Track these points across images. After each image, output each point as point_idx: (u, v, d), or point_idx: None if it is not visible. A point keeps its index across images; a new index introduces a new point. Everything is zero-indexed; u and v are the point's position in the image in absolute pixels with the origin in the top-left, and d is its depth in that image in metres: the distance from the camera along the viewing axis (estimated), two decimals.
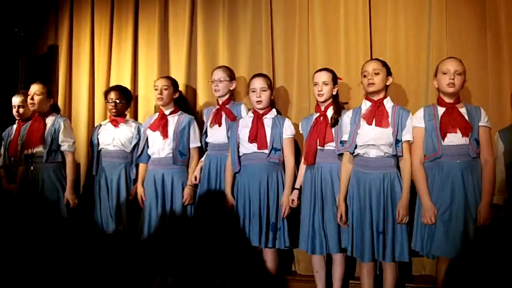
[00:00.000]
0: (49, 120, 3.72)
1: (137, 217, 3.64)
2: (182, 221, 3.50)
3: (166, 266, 3.54)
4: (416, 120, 2.90)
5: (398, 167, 2.92)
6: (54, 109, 3.86)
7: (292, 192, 3.22)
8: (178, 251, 3.52)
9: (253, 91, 3.30)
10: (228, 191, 3.34)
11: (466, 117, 2.80)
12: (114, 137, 3.81)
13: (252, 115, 3.35)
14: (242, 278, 3.40)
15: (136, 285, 3.59)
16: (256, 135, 3.25)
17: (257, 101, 3.29)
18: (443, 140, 2.79)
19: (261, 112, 3.32)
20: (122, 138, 3.81)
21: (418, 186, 2.84)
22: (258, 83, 3.30)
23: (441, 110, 2.86)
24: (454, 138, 2.78)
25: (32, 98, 3.67)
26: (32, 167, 3.63)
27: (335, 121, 3.12)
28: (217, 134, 3.51)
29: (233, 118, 3.47)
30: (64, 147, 3.68)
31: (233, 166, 3.31)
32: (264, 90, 3.29)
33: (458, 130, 2.77)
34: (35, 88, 3.70)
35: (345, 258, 3.13)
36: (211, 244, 3.48)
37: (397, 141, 2.88)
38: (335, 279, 3.14)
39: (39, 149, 3.62)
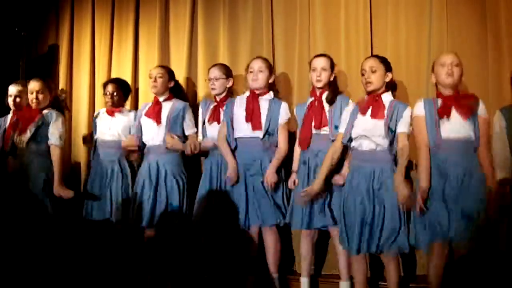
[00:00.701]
0: (44, 111, 3.67)
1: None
2: (176, 213, 3.48)
3: (160, 261, 3.52)
4: (416, 109, 2.87)
5: (393, 162, 2.88)
6: (55, 102, 3.79)
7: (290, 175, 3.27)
8: (172, 244, 3.50)
9: (251, 71, 3.30)
10: (231, 158, 3.29)
11: None
12: (110, 126, 3.79)
13: (248, 93, 3.34)
14: (242, 277, 3.41)
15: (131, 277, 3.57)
16: (251, 116, 3.25)
17: (253, 79, 3.28)
18: (441, 128, 2.77)
19: (257, 92, 3.31)
20: (120, 127, 3.78)
21: (419, 163, 2.82)
22: (256, 64, 3.30)
23: (440, 102, 2.85)
24: (454, 127, 2.76)
25: (36, 98, 3.62)
26: (18, 154, 3.59)
27: (331, 101, 3.14)
28: (215, 133, 3.49)
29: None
30: (52, 140, 3.57)
31: (230, 141, 3.31)
32: (261, 71, 3.28)
33: (458, 114, 2.76)
34: (36, 86, 3.64)
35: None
36: (212, 244, 3.48)
37: (391, 131, 2.85)
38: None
39: (26, 135, 3.56)
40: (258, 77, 3.28)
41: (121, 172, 3.72)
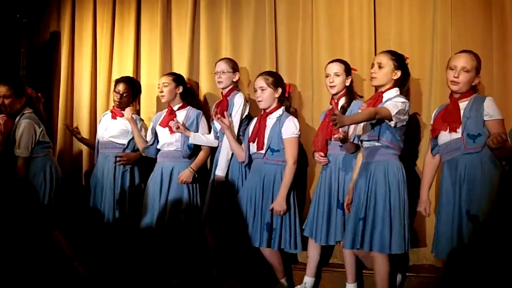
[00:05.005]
0: (16, 120, 3.55)
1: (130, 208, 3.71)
2: (186, 215, 3.50)
3: (165, 256, 3.56)
4: (432, 118, 2.93)
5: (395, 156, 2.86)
6: (30, 102, 3.67)
7: None
8: (182, 244, 3.53)
9: (255, 90, 3.26)
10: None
11: (462, 112, 2.69)
12: (107, 128, 3.82)
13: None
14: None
15: (129, 274, 3.59)
16: (256, 136, 3.22)
17: (258, 101, 3.25)
18: (434, 138, 2.82)
19: (267, 111, 3.26)
20: (115, 129, 3.81)
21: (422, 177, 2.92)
22: (257, 83, 3.24)
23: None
24: (444, 137, 2.75)
25: (2, 103, 3.49)
26: None
27: (344, 111, 3.08)
28: (218, 126, 3.49)
29: (224, 110, 3.43)
30: (17, 151, 3.45)
31: (245, 159, 3.32)
32: (263, 90, 3.20)
33: (447, 126, 2.71)
34: (2, 91, 3.49)
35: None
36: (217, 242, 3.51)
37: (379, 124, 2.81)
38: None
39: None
40: (261, 97, 3.21)
41: (115, 173, 3.75)
